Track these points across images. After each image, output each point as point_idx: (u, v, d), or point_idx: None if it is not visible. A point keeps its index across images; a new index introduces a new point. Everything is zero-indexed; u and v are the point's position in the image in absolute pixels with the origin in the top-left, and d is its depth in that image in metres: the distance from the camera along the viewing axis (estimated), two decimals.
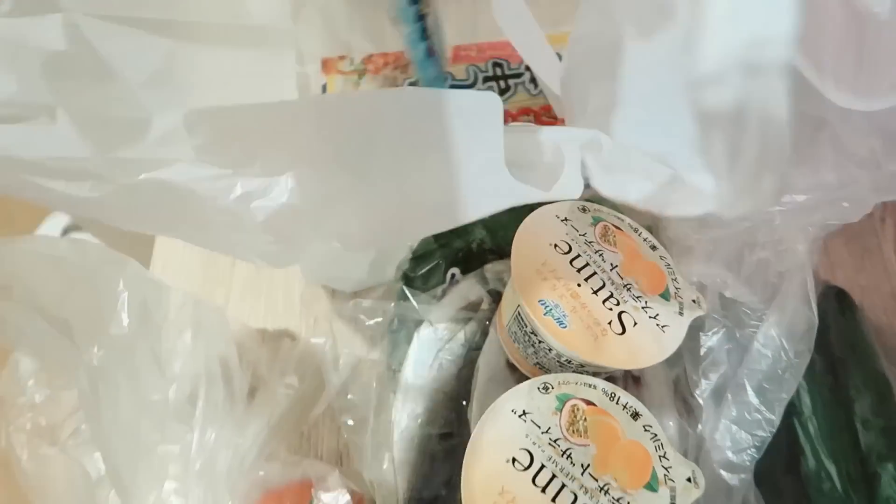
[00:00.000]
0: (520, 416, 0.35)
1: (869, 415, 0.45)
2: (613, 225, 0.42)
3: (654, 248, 0.42)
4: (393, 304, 0.45)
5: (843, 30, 0.41)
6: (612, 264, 0.40)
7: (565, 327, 0.37)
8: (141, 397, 0.43)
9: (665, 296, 0.40)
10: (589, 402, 0.36)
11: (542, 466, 0.34)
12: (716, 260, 0.39)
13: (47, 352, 0.41)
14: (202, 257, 0.55)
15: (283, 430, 0.47)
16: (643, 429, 0.36)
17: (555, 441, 0.34)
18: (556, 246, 0.39)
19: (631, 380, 0.45)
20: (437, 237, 0.47)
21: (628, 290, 0.39)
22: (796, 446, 0.44)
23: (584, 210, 0.42)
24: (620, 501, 0.34)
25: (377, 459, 0.41)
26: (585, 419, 0.35)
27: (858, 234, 0.54)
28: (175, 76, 0.36)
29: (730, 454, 0.38)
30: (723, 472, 0.38)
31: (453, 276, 0.47)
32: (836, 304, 0.48)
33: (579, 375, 0.37)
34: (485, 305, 0.45)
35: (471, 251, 0.47)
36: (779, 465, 0.44)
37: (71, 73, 0.32)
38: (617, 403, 0.36)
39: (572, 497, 0.34)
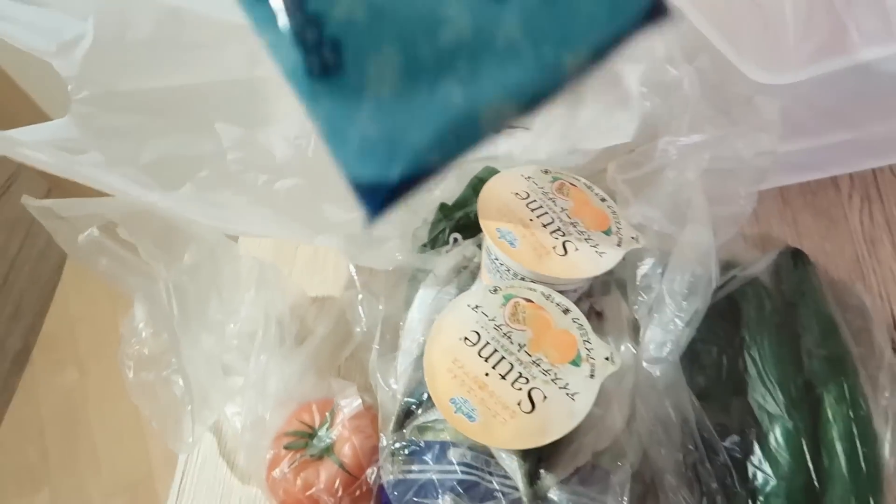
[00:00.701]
0: (473, 309, 0.45)
1: (813, 347, 0.50)
2: (569, 182, 0.52)
3: (603, 199, 0.52)
4: (411, 259, 0.57)
5: (755, 12, 0.51)
6: (562, 208, 0.50)
7: (515, 247, 0.47)
8: (209, 320, 0.57)
9: (607, 232, 0.49)
10: (529, 300, 0.45)
11: (487, 343, 0.44)
12: (647, 202, 0.48)
13: (145, 289, 0.56)
14: (274, 243, 0.70)
15: (320, 364, 0.59)
16: (572, 321, 0.45)
17: (499, 326, 0.44)
18: (516, 194, 0.50)
19: (594, 315, 0.54)
20: (442, 209, 0.59)
21: (574, 227, 0.49)
22: (746, 373, 0.50)
23: (546, 172, 0.53)
24: (549, 373, 0.43)
25: (384, 372, 0.52)
26: (525, 312, 0.45)
27: (826, 208, 0.60)
28: None
29: (652, 350, 0.46)
30: (647, 365, 0.45)
31: (455, 239, 0.58)
32: (790, 260, 0.55)
33: (523, 282, 0.47)
34: (476, 260, 0.56)
35: (469, 220, 0.58)
36: (729, 389, 0.50)
37: None
38: (552, 302, 0.45)
39: (509, 366, 0.43)
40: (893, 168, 0.60)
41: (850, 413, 0.47)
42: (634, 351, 0.49)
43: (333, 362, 0.60)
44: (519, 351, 0.44)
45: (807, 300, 0.52)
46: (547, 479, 0.46)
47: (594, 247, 0.48)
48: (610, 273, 0.54)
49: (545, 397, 0.42)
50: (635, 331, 0.51)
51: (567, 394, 0.42)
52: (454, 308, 0.45)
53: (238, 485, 0.59)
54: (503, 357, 0.43)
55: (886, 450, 0.47)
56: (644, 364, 0.46)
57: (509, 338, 0.44)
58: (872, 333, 0.50)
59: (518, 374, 0.43)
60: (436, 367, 0.43)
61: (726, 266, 0.55)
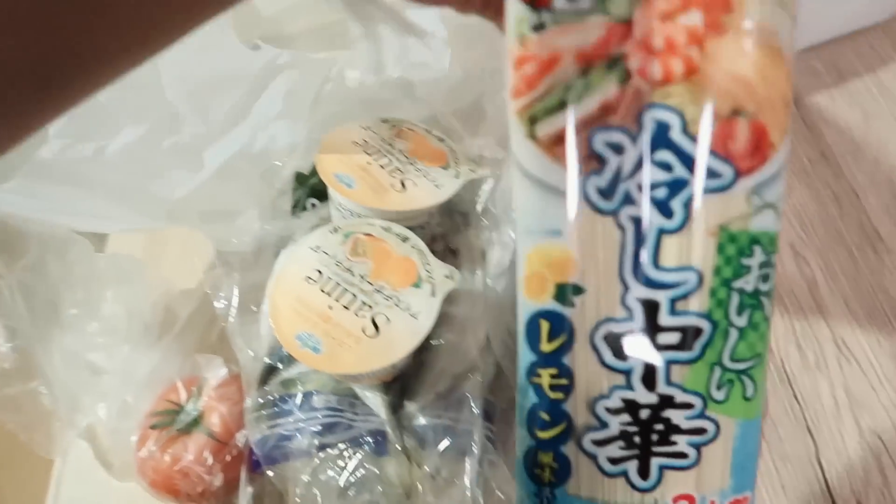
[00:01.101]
0: (314, 250, 0.46)
1: None
2: (407, 128, 0.54)
3: (441, 139, 0.53)
4: (269, 227, 0.57)
5: None
6: (400, 150, 0.52)
7: (353, 188, 0.48)
8: (65, 318, 0.55)
9: (445, 167, 0.51)
10: (368, 234, 0.46)
11: (329, 279, 0.44)
12: (478, 133, 0.50)
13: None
14: (144, 238, 0.69)
15: (188, 347, 0.58)
16: (411, 247, 0.46)
17: (340, 262, 0.45)
18: (355, 143, 0.51)
19: (450, 253, 0.55)
20: (298, 178, 0.60)
21: (413, 165, 0.51)
22: None
23: (385, 121, 0.54)
24: (391, 298, 0.44)
25: (246, 335, 0.51)
26: (365, 245, 0.46)
27: None
28: None
29: (494, 267, 0.47)
30: (491, 282, 0.47)
31: (313, 205, 0.59)
32: None
33: (362, 219, 0.47)
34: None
35: (324, 185, 0.59)
36: None
37: None
38: (391, 233, 0.46)
39: (352, 297, 0.44)
40: None
41: None
42: (485, 277, 0.51)
43: (203, 343, 0.59)
44: (361, 282, 0.44)
45: None
46: (409, 406, 0.47)
47: (432, 181, 0.50)
48: (458, 209, 0.56)
49: (388, 320, 0.43)
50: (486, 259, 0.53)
51: (410, 314, 0.43)
52: (295, 252, 0.46)
53: (117, 485, 0.57)
54: (345, 289, 0.44)
55: None
56: (489, 281, 0.47)
57: (350, 271, 0.44)
58: None
59: (361, 303, 0.43)
60: (280, 309, 0.43)
61: None
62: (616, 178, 0.25)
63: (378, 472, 0.46)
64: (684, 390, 0.26)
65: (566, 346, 0.27)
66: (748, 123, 0.24)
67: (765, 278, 0.26)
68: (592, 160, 0.25)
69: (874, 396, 0.49)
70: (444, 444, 0.45)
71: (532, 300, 0.28)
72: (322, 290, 0.44)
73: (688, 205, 0.25)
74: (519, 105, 0.25)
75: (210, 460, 0.48)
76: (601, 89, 0.24)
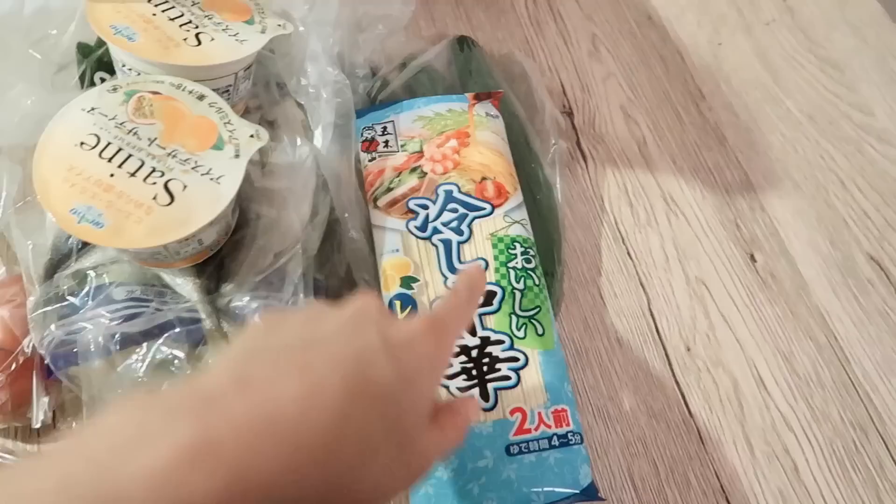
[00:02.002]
0: (88, 112, 0.38)
1: None
2: None
3: None
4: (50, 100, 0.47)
5: None
6: (195, 3, 0.44)
7: (135, 41, 0.41)
8: None
9: (249, 22, 0.45)
10: (155, 93, 0.40)
11: (109, 143, 0.37)
12: None
13: None
14: None
15: None
16: (209, 106, 0.40)
17: (121, 124, 0.38)
18: None
19: (267, 124, 0.49)
20: (81, 50, 0.51)
21: (210, 19, 0.44)
22: None
23: None
24: (188, 162, 0.38)
25: (25, 226, 0.43)
26: (152, 105, 0.39)
27: (494, 1, 0.61)
28: None
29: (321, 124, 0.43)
30: (318, 140, 0.43)
31: (102, 79, 0.50)
32: (458, 45, 0.54)
33: (149, 76, 0.41)
34: None
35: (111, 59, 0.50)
36: None
37: None
38: (184, 91, 0.40)
39: (139, 162, 0.37)
40: None
41: (522, 170, 0.48)
42: (309, 147, 0.46)
43: None
44: (150, 145, 0.38)
45: (474, 76, 0.52)
46: (226, 288, 0.42)
47: (233, 35, 0.43)
48: (275, 80, 0.50)
49: (185, 186, 0.37)
50: (309, 130, 0.48)
51: (211, 178, 0.38)
52: (65, 115, 0.38)
53: None
54: (130, 154, 0.37)
55: (558, 193, 0.48)
56: (317, 139, 0.43)
57: (136, 134, 0.38)
58: (535, 93, 0.51)
59: (151, 169, 0.37)
60: (48, 180, 0.36)
61: (404, 62, 0.53)
62: (426, 221, 0.45)
63: (194, 362, 0.41)
64: (495, 331, 0.42)
65: (412, 314, 0.42)
66: (493, 183, 0.46)
67: (527, 260, 0.44)
68: (409, 213, 0.45)
69: (699, 246, 0.50)
70: None
71: (388, 292, 0.43)
72: (101, 156, 0.37)
73: (471, 226, 0.44)
74: (368, 194, 0.47)
75: None
76: (409, 182, 0.46)
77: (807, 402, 0.45)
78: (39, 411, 0.42)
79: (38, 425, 0.41)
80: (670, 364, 0.46)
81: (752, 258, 0.50)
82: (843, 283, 0.49)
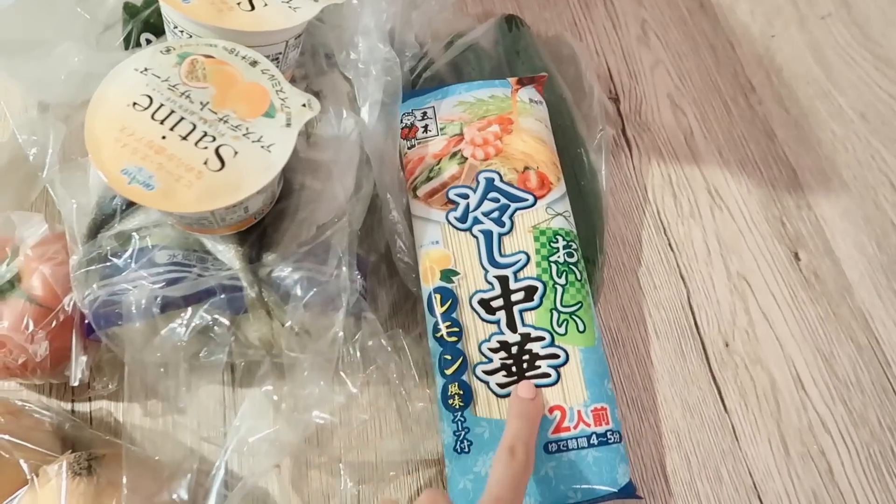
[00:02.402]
0: (141, 73, 0.38)
1: None
2: None
3: None
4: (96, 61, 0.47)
5: None
6: None
7: (188, 3, 0.40)
8: None
9: None
10: (209, 56, 0.39)
11: (161, 105, 0.37)
12: None
13: None
14: None
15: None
16: (261, 72, 0.39)
17: (174, 86, 0.38)
18: None
19: (312, 94, 0.49)
20: (128, 9, 0.50)
21: None
22: None
23: None
24: (239, 128, 0.37)
25: (69, 184, 0.43)
26: (205, 68, 0.39)
27: None
28: None
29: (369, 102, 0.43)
30: (365, 114, 0.42)
31: (148, 41, 0.50)
32: (506, 25, 0.53)
33: (201, 39, 0.40)
34: None
35: (161, 18, 0.50)
36: None
37: None
38: (237, 56, 0.40)
39: (191, 126, 0.37)
40: None
41: (567, 155, 0.48)
42: (355, 120, 0.46)
43: (21, 204, 0.50)
44: (202, 110, 0.38)
45: (522, 57, 0.51)
46: (268, 258, 0.42)
47: (287, 2, 0.43)
48: (323, 50, 0.50)
49: (236, 153, 0.37)
50: (355, 104, 0.47)
51: (262, 146, 0.37)
52: (118, 74, 0.38)
53: None
54: (182, 118, 0.37)
55: (603, 179, 0.48)
56: (363, 116, 0.43)
57: (188, 97, 0.38)
58: (584, 77, 0.50)
59: (203, 133, 0.37)
60: (100, 140, 0.36)
61: (451, 39, 0.53)
62: (466, 211, 0.44)
63: (233, 330, 0.41)
64: (535, 328, 0.41)
65: (453, 307, 0.42)
66: (535, 173, 0.45)
67: (569, 255, 0.43)
68: (449, 203, 0.44)
69: (742, 242, 0.49)
70: (309, 296, 0.40)
71: (427, 285, 0.43)
72: (153, 118, 0.37)
73: (512, 217, 0.43)
74: (408, 183, 0.46)
75: (31, 327, 0.41)
76: (449, 169, 0.45)
77: (845, 404, 0.44)
78: (77, 369, 0.42)
79: (75, 383, 0.42)
80: (707, 359, 0.46)
81: (797, 256, 0.49)
82: (887, 286, 0.48)
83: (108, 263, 0.41)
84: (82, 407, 0.46)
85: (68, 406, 0.46)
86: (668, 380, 0.45)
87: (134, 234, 0.42)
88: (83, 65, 0.47)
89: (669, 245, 0.49)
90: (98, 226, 0.43)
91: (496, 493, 0.33)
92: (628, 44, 0.57)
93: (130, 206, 0.44)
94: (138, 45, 0.50)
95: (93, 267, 0.41)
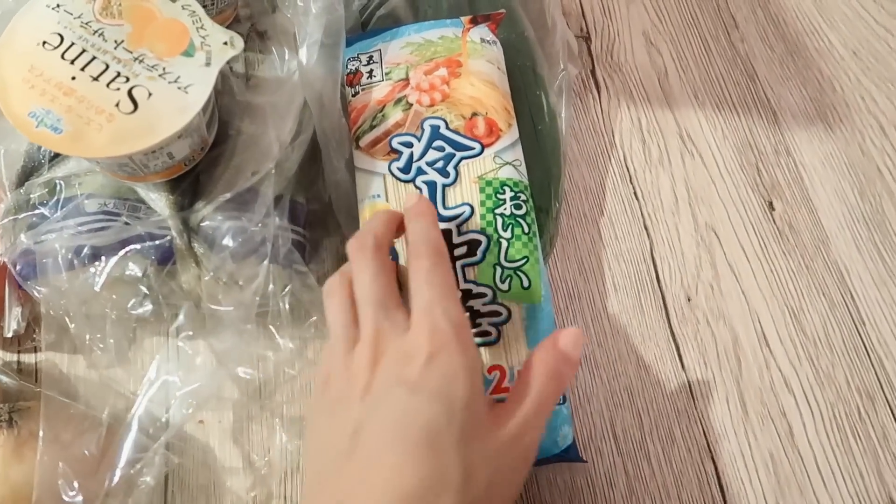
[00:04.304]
0: (53, 9, 0.36)
1: None
2: None
3: None
4: None
5: None
6: None
7: None
8: None
9: None
10: None
11: (73, 44, 0.35)
12: None
13: None
14: None
15: None
16: (182, 8, 0.37)
17: (87, 24, 0.36)
18: None
19: (257, 35, 0.46)
20: None
21: None
22: None
23: None
24: (156, 68, 0.35)
25: None
26: (120, 4, 0.36)
27: None
28: None
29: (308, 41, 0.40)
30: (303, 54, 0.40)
31: None
32: None
33: None
34: None
35: None
36: None
37: None
38: None
39: (103, 66, 0.35)
40: None
41: (525, 96, 0.45)
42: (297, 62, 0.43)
43: None
44: (116, 49, 0.35)
45: None
46: (199, 206, 0.40)
47: None
48: None
49: (150, 94, 0.35)
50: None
51: (178, 87, 0.35)
52: (29, 10, 0.36)
53: None
54: (94, 57, 0.35)
55: (563, 123, 0.45)
56: (301, 57, 0.40)
57: (101, 35, 0.36)
58: (548, 10, 0.47)
59: (116, 74, 0.35)
60: (7, 81, 0.34)
61: None
62: (409, 161, 0.40)
63: (161, 279, 0.40)
64: (477, 284, 0.38)
65: (395, 259, 0.38)
66: (484, 119, 0.41)
67: (517, 206, 0.39)
68: (393, 153, 0.41)
69: (713, 190, 0.46)
70: (234, 245, 0.38)
71: None
72: (63, 57, 0.35)
73: (457, 167, 0.40)
74: (351, 133, 0.43)
75: None
76: (393, 116, 0.42)
77: (812, 363, 0.42)
78: (12, 321, 0.42)
79: (9, 334, 0.41)
80: (667, 313, 0.43)
81: (771, 206, 0.46)
82: (868, 237, 0.45)
83: (36, 212, 0.40)
84: (28, 358, 0.45)
85: (14, 357, 0.45)
86: (623, 335, 0.43)
87: (60, 181, 0.41)
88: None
89: (634, 194, 0.47)
90: (27, 173, 0.42)
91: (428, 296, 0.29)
92: None
93: (60, 155, 0.42)
94: None
95: (20, 216, 0.40)
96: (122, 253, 0.39)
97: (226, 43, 0.37)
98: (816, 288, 0.44)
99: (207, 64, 0.36)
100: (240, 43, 0.37)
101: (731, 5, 0.52)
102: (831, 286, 0.44)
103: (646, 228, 0.46)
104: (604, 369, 0.42)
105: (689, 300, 0.43)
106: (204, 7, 0.38)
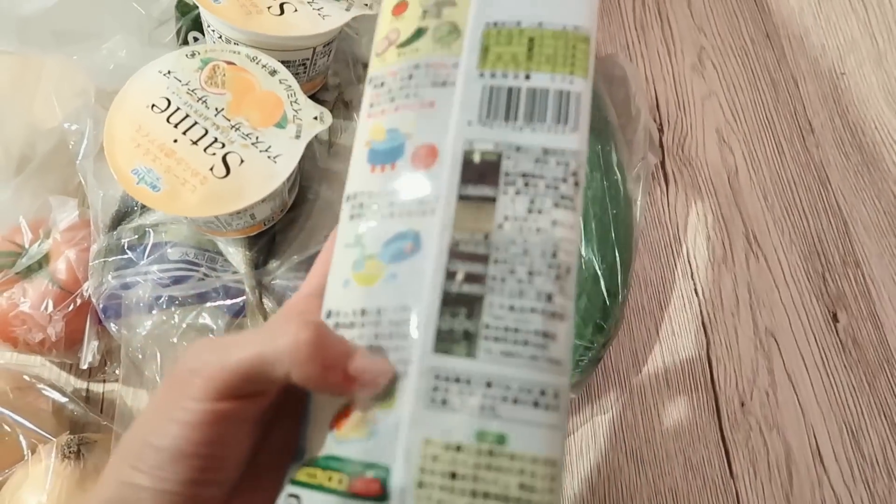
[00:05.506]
0: (164, 75, 0.39)
1: None
2: None
3: None
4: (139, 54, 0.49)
5: None
6: None
7: (219, 3, 0.41)
8: None
9: None
10: (230, 63, 0.40)
11: (178, 109, 0.38)
12: None
13: None
14: (13, 64, 0.60)
15: (47, 188, 0.52)
16: (279, 82, 0.40)
17: (193, 91, 0.39)
18: None
19: (342, 105, 0.49)
20: (179, 7, 0.52)
21: None
22: None
23: None
24: (250, 136, 0.38)
25: (99, 174, 0.45)
26: (224, 74, 0.39)
27: None
28: None
29: None
30: None
31: (195, 38, 0.51)
32: None
33: (228, 45, 0.41)
34: None
35: None
36: None
37: None
38: (257, 64, 0.40)
39: (203, 131, 0.38)
40: None
41: (603, 179, 0.45)
42: None
43: (66, 187, 0.52)
44: (216, 116, 0.38)
45: None
46: (273, 265, 0.42)
47: (317, 9, 0.43)
48: (359, 59, 0.50)
49: (242, 161, 0.37)
50: None
51: (268, 157, 0.37)
52: (142, 75, 0.39)
53: None
54: (196, 122, 0.38)
55: (637, 210, 0.46)
56: None
57: (205, 102, 0.38)
58: (633, 100, 0.48)
59: (213, 140, 0.37)
60: (116, 137, 0.37)
61: None
62: None
63: (231, 331, 0.42)
64: None
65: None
66: None
67: None
68: None
69: (776, 295, 0.46)
70: None
71: None
72: (168, 121, 0.38)
73: None
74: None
75: (50, 308, 0.43)
76: None
77: (867, 486, 0.41)
78: (88, 353, 0.44)
79: (84, 366, 0.43)
80: (719, 417, 0.43)
81: (835, 317, 0.45)
82: None
83: (124, 256, 0.43)
84: (97, 388, 0.48)
85: (84, 385, 0.48)
86: (673, 434, 0.42)
87: (150, 228, 0.44)
88: (130, 59, 0.48)
89: (695, 290, 0.47)
90: (120, 217, 0.45)
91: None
92: (681, 72, 0.54)
93: None
94: (186, 42, 0.51)
95: (110, 258, 0.43)
96: (199, 306, 0.41)
97: (316, 118, 0.39)
98: (877, 407, 0.42)
99: (297, 136, 0.38)
100: (328, 118, 0.39)
101: (808, 110, 0.52)
102: (894, 407, 0.42)
103: (703, 327, 0.45)
104: (650, 466, 0.42)
105: (742, 405, 0.43)
106: (296, 75, 0.41)
